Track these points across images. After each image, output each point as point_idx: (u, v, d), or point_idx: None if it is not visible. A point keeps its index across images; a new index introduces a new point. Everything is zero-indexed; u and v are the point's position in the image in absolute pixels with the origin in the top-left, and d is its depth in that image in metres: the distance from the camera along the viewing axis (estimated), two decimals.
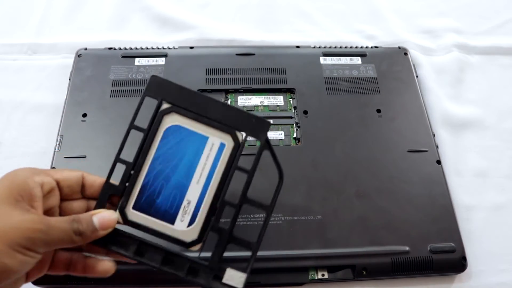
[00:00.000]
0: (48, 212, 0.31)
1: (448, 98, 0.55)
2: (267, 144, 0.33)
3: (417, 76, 0.54)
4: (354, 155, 0.47)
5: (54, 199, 0.31)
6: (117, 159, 0.33)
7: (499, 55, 0.60)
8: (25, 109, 0.52)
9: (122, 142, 0.33)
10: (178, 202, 0.33)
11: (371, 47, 0.57)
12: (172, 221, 0.33)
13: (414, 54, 0.58)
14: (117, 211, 0.33)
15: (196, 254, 0.33)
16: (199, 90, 0.51)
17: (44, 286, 0.40)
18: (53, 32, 0.60)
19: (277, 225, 0.42)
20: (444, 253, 0.42)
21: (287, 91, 0.52)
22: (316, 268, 0.41)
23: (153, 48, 0.55)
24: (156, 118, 0.33)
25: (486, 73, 0.58)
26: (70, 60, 0.54)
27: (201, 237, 0.33)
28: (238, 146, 0.33)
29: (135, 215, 0.33)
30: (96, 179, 0.33)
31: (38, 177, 0.30)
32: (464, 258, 0.42)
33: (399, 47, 0.57)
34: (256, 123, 0.33)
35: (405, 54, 0.56)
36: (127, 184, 0.33)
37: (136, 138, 0.33)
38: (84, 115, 0.48)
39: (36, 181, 0.30)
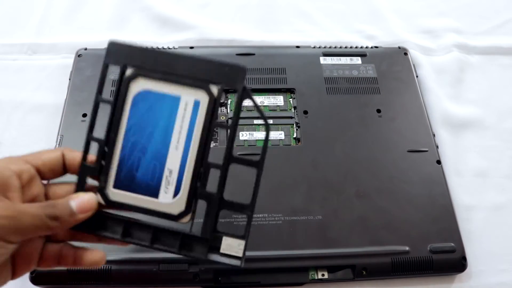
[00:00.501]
0: (33, 201, 0.29)
1: (448, 98, 0.55)
2: (246, 92, 0.30)
3: (417, 76, 0.54)
4: (354, 155, 0.47)
5: (37, 187, 0.30)
6: (89, 137, 0.31)
7: (499, 55, 0.60)
8: (25, 109, 0.52)
9: (91, 119, 0.31)
10: (159, 173, 0.30)
11: (371, 47, 0.57)
12: (156, 194, 0.30)
13: (414, 54, 0.58)
14: (97, 192, 0.30)
15: (187, 227, 0.30)
16: None
17: (44, 286, 0.40)
18: (53, 32, 0.60)
19: (277, 225, 0.42)
20: (444, 253, 0.42)
21: (287, 91, 0.52)
22: (316, 268, 0.41)
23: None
24: (122, 86, 0.30)
25: (486, 73, 0.58)
26: (70, 60, 0.54)
27: (189, 207, 0.30)
28: (214, 101, 0.30)
29: (117, 195, 0.30)
30: (76, 157, 0.31)
31: (14, 166, 0.28)
32: (464, 258, 0.42)
33: (399, 47, 0.57)
34: (231, 71, 0.30)
35: (405, 54, 0.56)
36: (103, 162, 0.30)
37: (107, 112, 0.31)
38: (84, 115, 0.48)
39: (13, 169, 0.28)
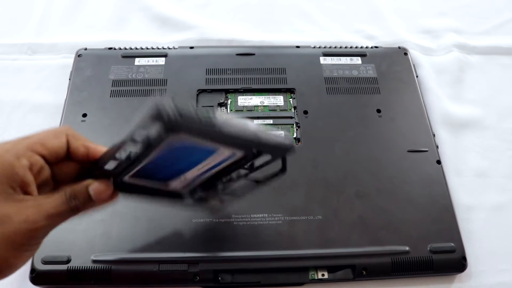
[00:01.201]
0: (42, 186, 0.30)
1: (448, 98, 0.55)
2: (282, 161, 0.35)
3: (417, 76, 0.54)
4: (354, 155, 0.47)
5: (45, 173, 0.30)
6: (122, 144, 0.28)
7: (499, 55, 0.60)
8: (25, 109, 0.52)
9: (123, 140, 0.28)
10: (176, 177, 0.34)
11: (371, 47, 0.57)
12: (167, 183, 0.34)
13: (414, 54, 0.58)
14: (111, 180, 0.31)
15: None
16: (199, 90, 0.51)
17: (44, 286, 0.40)
18: (53, 32, 0.60)
19: (277, 225, 0.42)
20: (444, 253, 0.42)
21: (287, 91, 0.52)
22: (316, 268, 0.41)
23: (153, 48, 0.55)
24: (163, 135, 0.26)
25: (486, 73, 0.58)
26: (70, 60, 0.54)
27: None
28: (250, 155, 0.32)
29: (131, 179, 0.32)
30: (79, 146, 0.31)
31: (23, 160, 0.28)
32: (464, 258, 0.42)
33: (399, 47, 0.57)
34: (278, 149, 0.32)
35: (405, 54, 0.56)
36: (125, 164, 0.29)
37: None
38: (84, 115, 0.48)
39: (24, 165, 0.28)
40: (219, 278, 0.40)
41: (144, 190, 0.34)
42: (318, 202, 0.44)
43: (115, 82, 0.51)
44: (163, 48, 0.55)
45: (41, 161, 0.29)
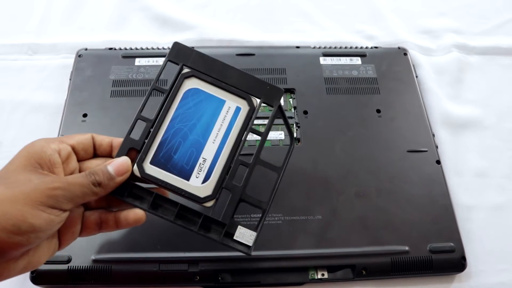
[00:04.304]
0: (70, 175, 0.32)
1: (447, 98, 0.55)
2: (279, 109, 0.36)
3: (416, 76, 0.54)
4: (354, 155, 0.47)
5: (73, 163, 0.33)
6: (138, 116, 0.35)
7: (499, 55, 0.60)
8: (26, 109, 0.52)
9: (144, 101, 0.35)
10: (194, 159, 0.34)
11: (371, 48, 0.57)
12: (187, 177, 0.34)
13: (414, 54, 0.58)
14: (135, 164, 0.34)
15: (209, 212, 0.34)
16: None
17: (44, 286, 0.40)
18: (53, 32, 0.60)
19: (277, 225, 0.42)
20: (444, 253, 0.42)
21: (287, 91, 0.52)
22: (316, 268, 0.41)
23: (153, 48, 0.55)
24: (177, 81, 0.35)
25: (485, 73, 0.58)
26: (70, 60, 0.54)
27: (215, 193, 0.34)
28: (253, 110, 0.36)
29: (152, 169, 0.34)
30: (103, 139, 0.35)
31: (53, 145, 0.32)
32: (463, 258, 0.42)
33: (399, 47, 0.58)
34: (270, 90, 0.36)
35: (405, 54, 0.56)
36: (146, 140, 0.34)
37: (156, 101, 0.35)
38: (85, 115, 0.48)
39: (53, 148, 0.31)
40: (219, 278, 0.40)
41: (165, 184, 0.34)
42: (318, 202, 0.44)
43: (116, 82, 0.51)
44: (163, 48, 0.55)
45: (68, 149, 0.33)
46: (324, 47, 0.56)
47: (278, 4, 0.65)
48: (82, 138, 0.34)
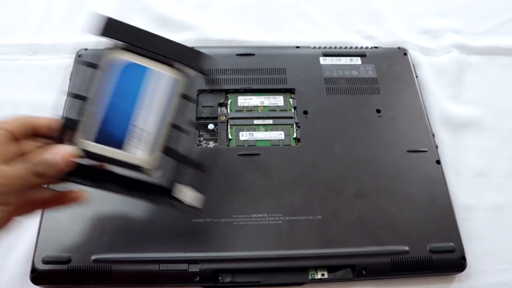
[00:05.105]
0: (11, 159, 0.31)
1: (447, 98, 0.55)
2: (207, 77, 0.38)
3: (416, 76, 0.54)
4: (354, 155, 0.47)
5: (13, 147, 0.32)
6: (69, 95, 0.36)
7: (499, 55, 0.60)
8: (26, 109, 0.52)
9: (72, 78, 0.37)
10: (131, 131, 0.35)
11: (371, 48, 0.57)
12: (127, 148, 0.34)
13: (414, 54, 0.58)
14: (75, 145, 0.34)
15: (153, 179, 0.35)
16: (199, 90, 0.51)
17: (44, 286, 0.40)
18: (53, 33, 0.60)
19: (277, 225, 0.42)
20: (444, 253, 0.42)
21: (287, 91, 0.52)
22: (316, 268, 0.41)
23: None
24: (105, 55, 0.36)
25: (485, 73, 0.58)
26: (70, 61, 0.54)
27: (156, 160, 0.35)
28: (180, 76, 0.36)
29: (92, 147, 0.34)
30: (41, 120, 0.34)
31: None
32: (463, 258, 0.42)
33: (399, 48, 0.58)
34: (195, 55, 0.37)
35: (405, 54, 0.56)
36: (82, 118, 0.34)
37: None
38: None
39: None
40: (219, 278, 0.40)
41: (110, 160, 0.35)
42: (318, 202, 0.44)
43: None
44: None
45: (6, 133, 0.32)
46: (324, 47, 0.56)
47: (278, 4, 0.65)
48: (20, 122, 0.33)
